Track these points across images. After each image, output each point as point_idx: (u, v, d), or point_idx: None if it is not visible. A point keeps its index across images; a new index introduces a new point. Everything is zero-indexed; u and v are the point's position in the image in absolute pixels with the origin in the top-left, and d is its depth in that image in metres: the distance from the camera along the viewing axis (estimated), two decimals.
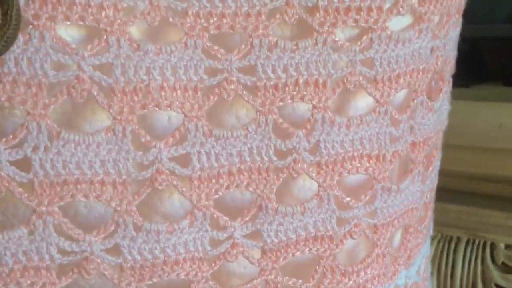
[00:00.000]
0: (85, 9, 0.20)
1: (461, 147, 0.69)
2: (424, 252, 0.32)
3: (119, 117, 0.22)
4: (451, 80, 0.31)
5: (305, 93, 0.24)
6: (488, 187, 0.70)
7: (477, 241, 0.72)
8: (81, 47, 0.21)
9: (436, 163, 0.31)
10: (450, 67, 0.30)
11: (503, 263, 0.71)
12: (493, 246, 0.71)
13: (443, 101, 0.30)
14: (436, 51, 0.27)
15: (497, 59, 0.88)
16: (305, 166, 0.25)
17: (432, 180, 0.31)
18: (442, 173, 0.75)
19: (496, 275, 0.70)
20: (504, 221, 0.70)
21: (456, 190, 0.72)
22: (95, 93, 0.21)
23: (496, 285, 0.71)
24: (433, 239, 0.74)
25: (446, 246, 0.73)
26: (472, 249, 0.72)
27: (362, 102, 0.27)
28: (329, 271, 0.26)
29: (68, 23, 0.20)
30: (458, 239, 0.73)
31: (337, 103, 0.26)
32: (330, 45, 0.24)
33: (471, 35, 0.91)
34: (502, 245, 0.71)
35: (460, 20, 0.30)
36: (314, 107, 0.24)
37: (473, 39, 0.93)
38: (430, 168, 0.30)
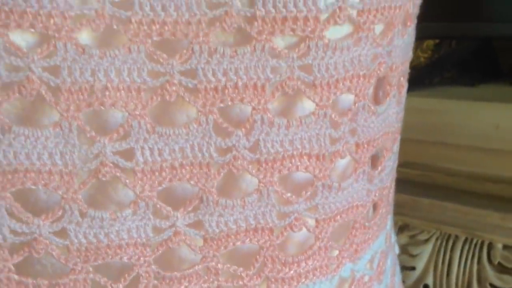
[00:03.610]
0: (35, 17, 0.23)
1: (460, 146, 0.69)
2: (376, 247, 0.34)
3: (65, 114, 0.24)
4: (404, 83, 0.33)
5: (244, 95, 0.26)
6: (487, 187, 0.70)
7: (474, 240, 0.72)
8: (32, 51, 0.23)
9: (387, 164, 0.33)
10: (399, 72, 0.31)
11: (499, 263, 0.71)
12: (490, 246, 0.72)
13: (390, 105, 0.31)
14: (378, 58, 0.29)
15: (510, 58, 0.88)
16: (245, 163, 0.27)
17: (383, 180, 0.33)
18: (442, 171, 0.76)
19: (492, 275, 0.71)
20: (501, 221, 0.70)
21: (456, 189, 0.73)
22: (43, 92, 0.23)
23: (491, 285, 0.71)
24: (431, 236, 0.75)
25: (443, 244, 0.74)
26: (469, 248, 0.72)
27: (309, 105, 0.28)
28: (269, 261, 0.28)
29: (20, 30, 0.23)
30: (456, 237, 0.73)
31: (283, 105, 0.28)
32: (268, 51, 0.26)
33: (486, 34, 0.91)
34: (499, 245, 0.71)
35: (410, 28, 0.31)
36: (253, 108, 0.26)
37: (487, 38, 0.92)
38: (379, 168, 0.32)
